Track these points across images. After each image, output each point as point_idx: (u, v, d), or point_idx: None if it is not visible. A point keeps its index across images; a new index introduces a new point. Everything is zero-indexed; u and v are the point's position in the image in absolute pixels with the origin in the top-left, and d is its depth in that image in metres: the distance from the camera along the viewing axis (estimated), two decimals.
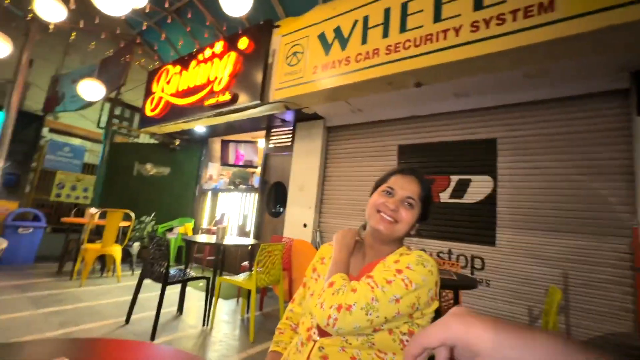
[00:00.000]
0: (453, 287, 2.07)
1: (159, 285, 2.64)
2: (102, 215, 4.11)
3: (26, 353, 0.69)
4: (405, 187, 0.83)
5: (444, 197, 3.34)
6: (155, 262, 2.81)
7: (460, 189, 3.26)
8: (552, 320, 1.49)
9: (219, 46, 4.16)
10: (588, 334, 2.47)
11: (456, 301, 2.24)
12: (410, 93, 3.15)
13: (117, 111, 6.41)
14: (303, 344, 0.78)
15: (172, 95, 4.69)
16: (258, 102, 3.65)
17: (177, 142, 5.75)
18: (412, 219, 0.82)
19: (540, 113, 2.95)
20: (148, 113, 5.02)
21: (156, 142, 5.93)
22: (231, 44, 4.02)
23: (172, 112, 4.70)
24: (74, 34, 5.44)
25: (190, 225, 5.27)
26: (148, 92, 5.21)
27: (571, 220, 2.67)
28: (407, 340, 0.73)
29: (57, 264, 4.26)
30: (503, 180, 3.04)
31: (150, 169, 5.81)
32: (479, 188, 3.15)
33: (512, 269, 2.85)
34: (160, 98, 4.87)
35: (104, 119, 6.25)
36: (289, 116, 4.43)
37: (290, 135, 4.65)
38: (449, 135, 3.42)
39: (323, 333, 0.77)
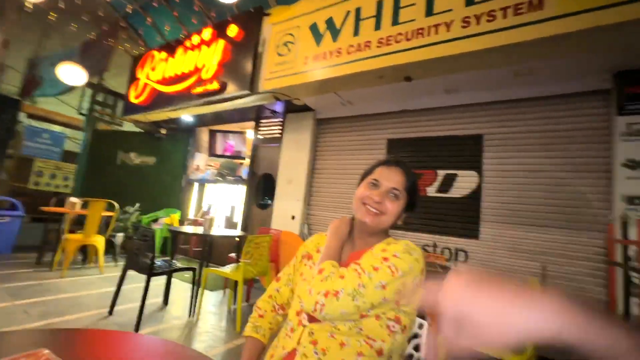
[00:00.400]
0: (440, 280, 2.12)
1: (143, 277, 2.60)
2: (84, 205, 3.99)
3: (2, 344, 0.66)
4: (390, 178, 0.84)
5: (431, 191, 3.39)
6: (140, 253, 2.76)
7: (447, 183, 3.31)
8: None
9: (207, 33, 4.05)
10: None
11: None
12: (400, 87, 3.16)
13: (100, 97, 6.19)
14: (293, 329, 0.79)
15: (158, 82, 4.55)
16: (247, 92, 3.59)
17: (163, 131, 5.60)
18: (398, 209, 0.84)
19: (526, 110, 3.01)
20: (132, 100, 4.87)
21: (141, 130, 5.76)
22: (220, 31, 3.92)
23: (158, 100, 4.57)
24: (53, 14, 5.18)
25: (176, 216, 5.19)
26: (132, 78, 5.04)
27: (551, 215, 2.77)
28: (393, 326, 0.75)
29: (36, 254, 4.13)
30: (488, 175, 3.11)
31: (134, 158, 5.66)
32: (464, 183, 3.21)
33: (494, 261, 2.94)
34: (146, 85, 4.73)
35: (86, 105, 6.03)
36: (279, 107, 4.38)
37: (280, 127, 4.61)
38: (437, 130, 3.46)
39: (312, 318, 0.77)
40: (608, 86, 2.63)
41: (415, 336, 0.97)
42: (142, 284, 2.59)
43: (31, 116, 7.27)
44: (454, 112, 3.38)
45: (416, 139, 3.58)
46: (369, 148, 3.88)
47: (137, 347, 0.68)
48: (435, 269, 2.10)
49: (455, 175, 3.28)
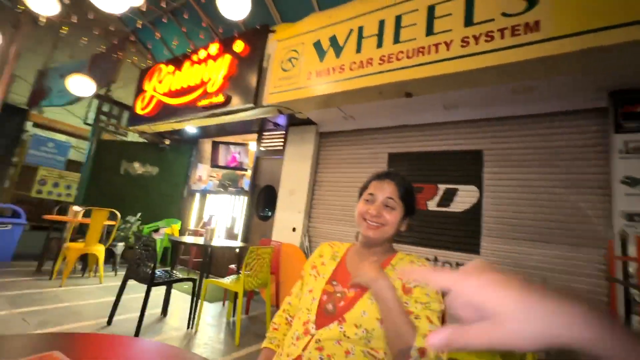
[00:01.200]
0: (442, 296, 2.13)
1: (142, 287, 2.60)
2: (87, 214, 4.02)
3: (12, 347, 0.68)
4: (383, 190, 0.90)
5: (432, 205, 3.41)
6: (142, 263, 2.76)
7: (448, 197, 3.34)
8: None
9: (214, 48, 4.17)
10: None
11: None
12: (401, 103, 3.23)
13: (106, 108, 6.31)
14: (299, 337, 0.80)
15: (164, 94, 4.66)
16: (251, 105, 3.67)
17: (167, 141, 5.68)
18: (396, 218, 0.88)
19: (525, 127, 3.07)
20: (139, 111, 4.96)
21: (145, 141, 5.85)
22: (226, 47, 4.04)
23: (164, 111, 4.67)
24: (65, 28, 5.35)
25: (177, 226, 5.20)
26: (139, 90, 5.16)
27: (551, 231, 2.78)
28: None
29: (36, 262, 4.13)
30: (488, 190, 3.13)
31: (138, 167, 5.72)
32: (465, 197, 3.24)
33: None
34: (152, 97, 4.83)
35: (92, 115, 6.14)
36: (282, 120, 4.46)
37: (282, 139, 4.67)
38: (438, 145, 3.51)
39: (320, 326, 0.79)
40: (604, 104, 2.69)
41: None
42: (142, 294, 2.58)
43: (37, 125, 7.39)
44: (454, 127, 3.43)
45: (417, 153, 3.63)
46: (370, 162, 3.93)
47: (144, 350, 0.69)
48: None
49: (456, 189, 3.31)
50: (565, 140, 2.88)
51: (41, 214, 4.61)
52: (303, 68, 3.38)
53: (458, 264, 3.13)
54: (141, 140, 6.14)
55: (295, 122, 4.37)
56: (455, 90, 2.81)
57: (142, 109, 4.91)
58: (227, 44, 4.04)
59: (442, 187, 3.39)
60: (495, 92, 2.88)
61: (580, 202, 2.72)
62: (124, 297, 2.78)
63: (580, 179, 2.76)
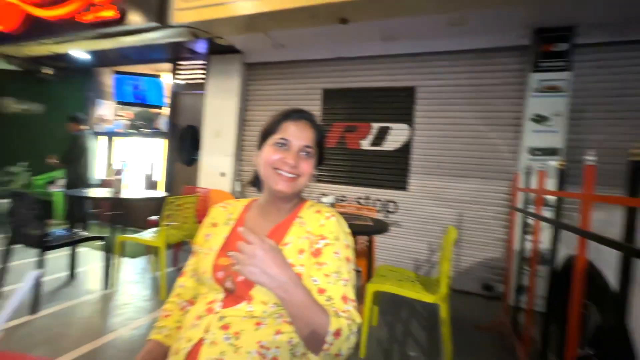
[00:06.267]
0: (368, 233, 2.18)
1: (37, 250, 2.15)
2: None
3: None
4: (300, 135, 0.74)
5: (365, 144, 3.38)
6: (27, 223, 2.26)
7: (380, 136, 3.33)
8: (447, 253, 1.72)
9: None
10: (471, 261, 2.97)
11: (370, 242, 2.40)
12: (336, 31, 2.89)
13: None
14: (200, 316, 0.68)
15: (29, 2, 3.46)
16: (156, 24, 2.94)
17: (49, 71, 4.46)
18: (312, 168, 0.76)
19: (456, 63, 3.06)
20: None
21: (17, 69, 4.50)
22: None
23: (35, 27, 3.53)
24: None
25: None
26: None
27: (469, 166, 3.00)
28: None
29: None
30: (419, 128, 3.18)
31: (13, 104, 4.48)
32: (397, 136, 3.26)
33: (420, 210, 3.16)
34: (12, 5, 3.57)
35: None
36: (201, 47, 3.75)
37: (203, 70, 4.01)
38: (373, 81, 3.36)
39: (227, 304, 0.67)
40: (527, 42, 2.76)
41: None
42: (38, 258, 2.15)
43: None
44: (390, 61, 3.28)
45: (352, 89, 3.45)
46: (304, 98, 3.64)
47: None
48: (366, 222, 2.13)
49: (389, 128, 3.29)
50: (490, 78, 2.96)
51: None
52: None
53: (388, 201, 3.28)
54: (12, 68, 4.71)
55: (217, 49, 3.72)
56: (393, 17, 2.58)
57: (1, 22, 3.63)
58: None
59: (375, 126, 3.34)
60: (432, 23, 2.73)
61: (495, 138, 2.93)
62: (15, 263, 2.33)
63: (498, 117, 2.93)
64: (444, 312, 1.70)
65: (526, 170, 2.22)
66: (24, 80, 4.54)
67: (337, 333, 0.57)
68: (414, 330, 2.22)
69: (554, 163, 2.28)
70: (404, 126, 3.23)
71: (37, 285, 2.13)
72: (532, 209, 2.28)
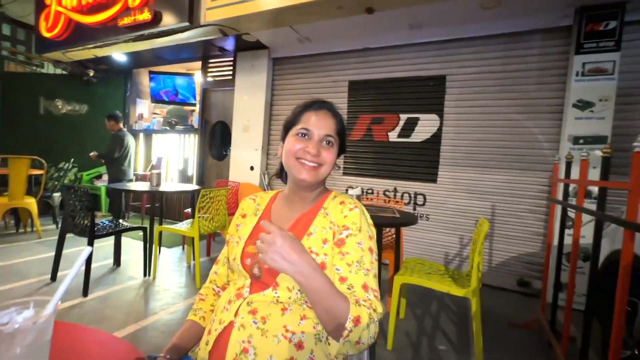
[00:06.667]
0: (394, 225, 2.15)
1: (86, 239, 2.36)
2: (4, 164, 3.44)
3: None
4: (321, 125, 0.76)
5: (393, 136, 3.32)
6: (77, 215, 2.47)
7: (409, 127, 3.25)
8: (478, 246, 1.66)
9: None
10: (506, 256, 2.85)
11: (398, 235, 2.37)
12: (362, 21, 2.85)
13: (6, 30, 5.04)
14: (231, 301, 0.72)
15: (73, 9, 3.73)
16: (187, 24, 3.06)
17: (91, 72, 4.78)
18: (334, 157, 0.77)
19: (489, 49, 2.90)
20: (44, 33, 4.00)
21: (64, 72, 4.87)
22: None
23: (78, 33, 3.80)
24: None
25: None
26: (40, 6, 4.08)
27: (503, 157, 2.86)
28: None
29: None
30: (449, 119, 3.07)
31: (61, 106, 4.87)
32: (426, 127, 3.17)
33: (450, 203, 3.07)
34: (59, 13, 3.86)
35: None
36: (229, 44, 3.86)
37: (231, 67, 4.12)
38: (401, 71, 3.28)
39: (254, 290, 0.71)
40: (568, 22, 2.56)
41: None
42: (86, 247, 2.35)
43: None
44: (418, 50, 3.18)
45: (379, 80, 3.39)
46: (330, 91, 3.63)
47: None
48: (393, 214, 2.10)
49: (418, 119, 3.21)
50: (526, 63, 2.79)
51: None
52: None
53: (417, 194, 3.21)
54: (60, 72, 5.12)
55: (244, 46, 3.80)
56: (421, 3, 2.49)
57: (48, 30, 3.94)
58: None
59: (403, 117, 3.27)
60: (463, 7, 2.60)
61: (533, 127, 2.77)
62: (66, 251, 2.55)
63: (535, 104, 2.76)
64: (474, 306, 1.65)
65: (567, 160, 2.08)
66: (70, 83, 4.91)
67: (357, 320, 0.58)
68: (442, 324, 2.19)
69: (598, 152, 2.12)
70: (434, 116, 3.13)
71: (88, 263, 2.33)
72: (573, 201, 2.14)
